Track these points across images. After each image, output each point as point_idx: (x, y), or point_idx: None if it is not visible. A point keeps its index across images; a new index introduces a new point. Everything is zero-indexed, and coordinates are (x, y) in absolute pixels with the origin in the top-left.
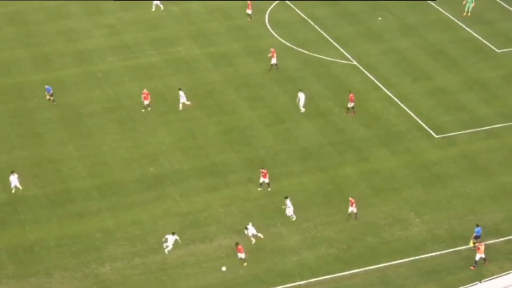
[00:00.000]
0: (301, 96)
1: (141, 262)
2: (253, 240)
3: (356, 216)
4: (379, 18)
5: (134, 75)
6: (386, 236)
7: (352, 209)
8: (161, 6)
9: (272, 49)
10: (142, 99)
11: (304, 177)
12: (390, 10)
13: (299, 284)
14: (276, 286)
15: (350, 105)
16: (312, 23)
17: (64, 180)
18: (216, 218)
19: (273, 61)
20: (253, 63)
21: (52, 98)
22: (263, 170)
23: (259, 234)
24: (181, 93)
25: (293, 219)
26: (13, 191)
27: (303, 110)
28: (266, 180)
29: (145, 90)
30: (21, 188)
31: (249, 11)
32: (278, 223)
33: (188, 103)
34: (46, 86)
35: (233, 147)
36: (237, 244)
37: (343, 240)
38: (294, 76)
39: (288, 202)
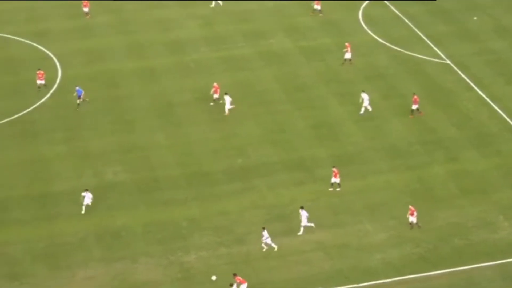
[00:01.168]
0: (365, 96)
1: (226, 252)
2: (264, 248)
3: (417, 226)
4: (475, 18)
5: (226, 67)
6: (473, 238)
7: (412, 218)
8: (220, 3)
9: (347, 44)
10: (212, 93)
11: (391, 175)
12: (485, 10)
13: (383, 282)
14: (360, 283)
15: (414, 107)
16: (406, 21)
17: (153, 167)
18: None
19: (347, 55)
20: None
21: (79, 100)
22: (334, 169)
23: (273, 245)
24: (227, 98)
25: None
26: (83, 211)
27: (362, 110)
28: (337, 180)
29: (215, 84)
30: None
31: (317, 7)
32: (364, 220)
33: (232, 106)
34: (77, 88)
35: (322, 142)
36: (235, 274)
37: (429, 240)
38: (386, 73)
39: (302, 212)
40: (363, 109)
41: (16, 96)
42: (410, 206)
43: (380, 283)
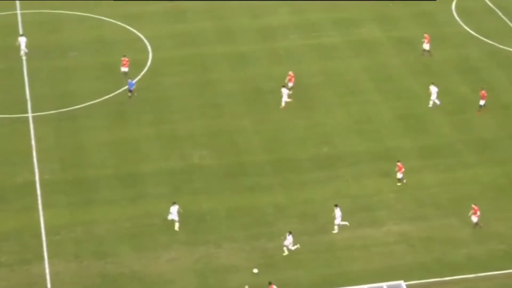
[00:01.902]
0: (433, 89)
1: (309, 240)
2: (285, 251)
3: (479, 226)
4: None
5: (315, 55)
6: None
7: (475, 218)
8: None
9: (426, 35)
10: (287, 81)
11: (479, 169)
12: None
13: (467, 277)
14: (443, 277)
15: (482, 102)
16: (500, 14)
17: (239, 153)
18: (386, 203)
19: (426, 47)
20: (436, 50)
21: (130, 94)
22: (399, 164)
23: (294, 247)
24: (284, 90)
25: (347, 224)
26: (176, 228)
27: (431, 104)
28: (400, 175)
29: (290, 73)
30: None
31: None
32: (449, 213)
33: (289, 100)
34: (129, 81)
35: (409, 134)
36: (270, 283)
37: None
38: (477, 67)
39: (336, 211)
40: (431, 103)
41: (107, 77)
42: (473, 206)
43: (463, 278)
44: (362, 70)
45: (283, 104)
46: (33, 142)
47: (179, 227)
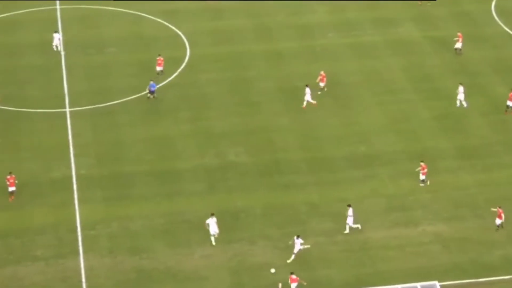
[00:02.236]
0: (460, 90)
1: (343, 239)
2: (292, 257)
3: (502, 227)
4: None
5: (353, 53)
6: None
7: (499, 220)
8: None
9: (459, 34)
10: (318, 81)
11: None
12: None
13: (503, 279)
14: (478, 278)
15: (510, 103)
16: None
17: (275, 150)
18: (422, 203)
19: (458, 45)
20: (473, 50)
21: (151, 95)
22: (422, 164)
23: (303, 247)
24: (307, 90)
25: (359, 228)
26: (213, 243)
27: (458, 103)
28: (423, 177)
29: (322, 72)
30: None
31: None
32: (485, 214)
33: (314, 102)
34: (151, 82)
35: (446, 134)
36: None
37: None
38: None
39: (350, 211)
40: (458, 102)
41: (145, 73)
42: (498, 208)
43: (499, 279)
44: (399, 69)
45: (304, 104)
46: (70, 137)
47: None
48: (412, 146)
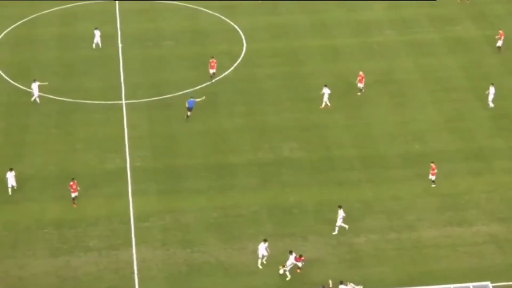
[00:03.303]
0: (491, 90)
1: (396, 237)
2: (288, 274)
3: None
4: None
5: (409, 51)
6: None
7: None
8: None
9: (501, 31)
10: (357, 82)
11: None
12: None
13: None
14: None
15: None
16: None
17: (329, 147)
18: (476, 203)
19: (499, 43)
20: None
21: (189, 113)
22: (432, 165)
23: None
24: (326, 90)
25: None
26: (259, 263)
27: (491, 105)
28: (433, 177)
29: (361, 73)
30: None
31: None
32: None
33: (329, 104)
34: (190, 99)
35: (502, 133)
36: (300, 255)
37: None
38: None
39: (340, 211)
40: (491, 105)
41: (201, 68)
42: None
43: None
44: (456, 67)
45: (323, 104)
46: (125, 129)
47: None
48: (467, 145)
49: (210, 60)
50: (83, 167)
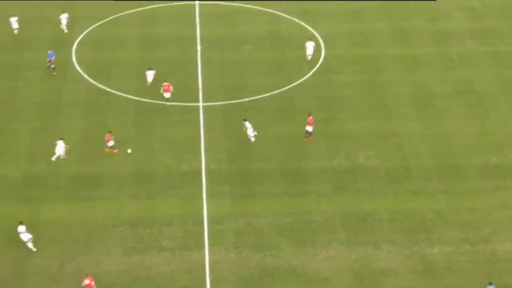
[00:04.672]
0: None
1: (470, 249)
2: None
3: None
4: None
5: (490, 62)
6: None
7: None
8: None
9: None
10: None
11: None
12: None
13: None
14: None
15: None
16: None
17: (405, 156)
18: None
19: None
20: None
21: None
22: None
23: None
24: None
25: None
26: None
27: None
28: None
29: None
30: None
31: None
32: None
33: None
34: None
35: None
36: None
37: None
38: None
39: (247, 124)
40: None
41: (278, 72)
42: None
43: None
44: None
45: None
46: (202, 131)
47: None
48: None
49: (164, 84)
50: (160, 167)
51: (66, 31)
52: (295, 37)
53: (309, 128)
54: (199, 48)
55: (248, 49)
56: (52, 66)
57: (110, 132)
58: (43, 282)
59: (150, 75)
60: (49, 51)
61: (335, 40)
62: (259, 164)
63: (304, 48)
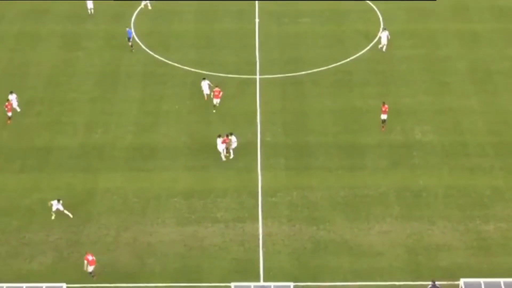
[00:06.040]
0: None
1: None
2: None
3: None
4: None
5: None
6: None
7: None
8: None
9: None
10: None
11: None
12: None
13: None
14: None
15: None
16: None
17: (462, 132)
18: None
19: None
20: None
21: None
22: None
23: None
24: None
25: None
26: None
27: None
28: None
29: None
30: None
31: None
32: None
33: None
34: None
35: None
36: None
37: None
38: None
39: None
40: None
41: (336, 46)
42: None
43: None
44: None
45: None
46: (258, 104)
47: None
48: None
49: (214, 90)
50: (215, 139)
51: (150, 7)
52: (353, 11)
53: (384, 116)
54: (257, 20)
55: (306, 22)
56: (130, 43)
57: (227, 135)
58: (98, 251)
59: (205, 85)
60: (127, 29)
61: (394, 14)
62: (314, 137)
63: (365, 23)
